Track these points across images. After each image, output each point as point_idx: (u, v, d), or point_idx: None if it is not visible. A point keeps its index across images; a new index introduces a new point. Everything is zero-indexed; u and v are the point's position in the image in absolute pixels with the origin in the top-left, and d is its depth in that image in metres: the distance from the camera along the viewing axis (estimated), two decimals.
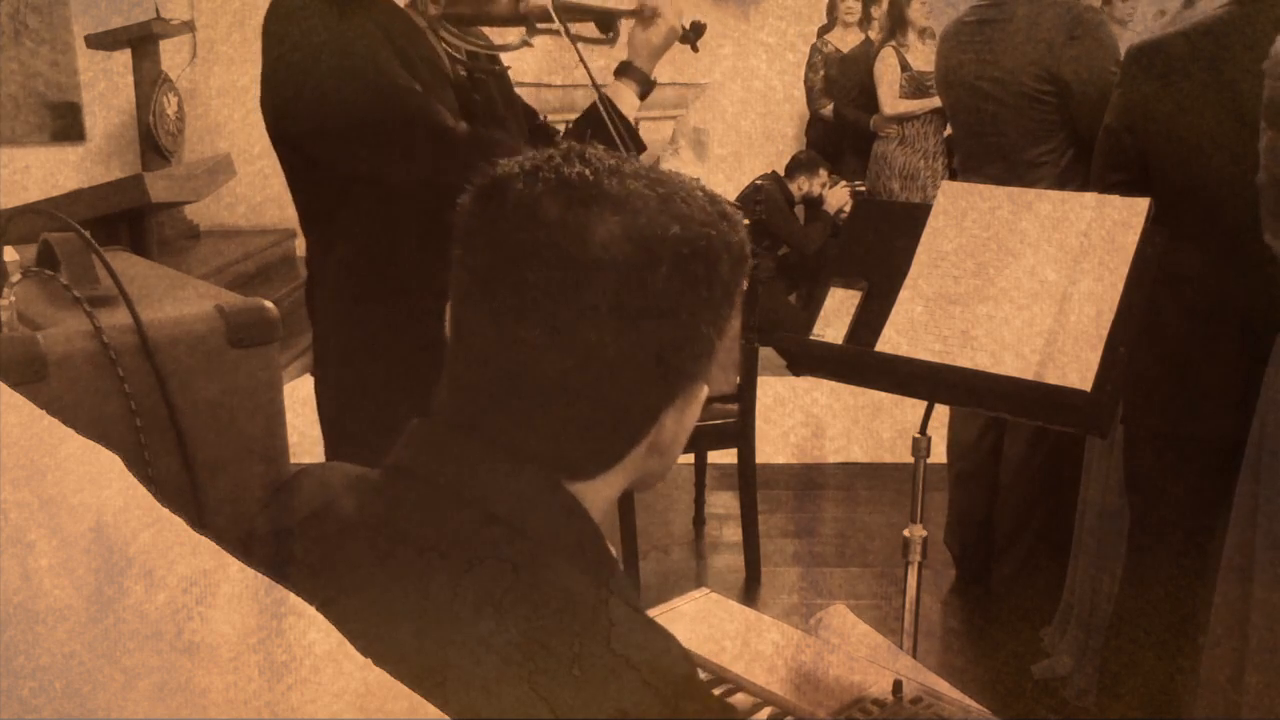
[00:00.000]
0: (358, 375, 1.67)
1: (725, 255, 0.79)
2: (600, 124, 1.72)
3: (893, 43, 5.31)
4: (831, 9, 6.18)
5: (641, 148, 1.85)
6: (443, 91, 1.65)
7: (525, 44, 1.77)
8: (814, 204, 5.55)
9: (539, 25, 1.74)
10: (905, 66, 5.27)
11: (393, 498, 0.80)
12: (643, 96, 1.82)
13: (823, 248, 5.30)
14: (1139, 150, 2.10)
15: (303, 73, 1.56)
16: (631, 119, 1.81)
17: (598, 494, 0.82)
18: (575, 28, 1.77)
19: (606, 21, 1.81)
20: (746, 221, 2.74)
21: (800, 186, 5.57)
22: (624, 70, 1.81)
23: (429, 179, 1.54)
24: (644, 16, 1.79)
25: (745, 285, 0.84)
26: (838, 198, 5.43)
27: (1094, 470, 2.51)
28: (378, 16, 1.60)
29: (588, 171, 0.77)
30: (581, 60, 1.66)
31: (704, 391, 0.84)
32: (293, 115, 1.59)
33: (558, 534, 0.78)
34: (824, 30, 6.21)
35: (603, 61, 1.80)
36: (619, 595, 0.77)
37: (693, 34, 1.86)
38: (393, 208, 1.61)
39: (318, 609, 0.64)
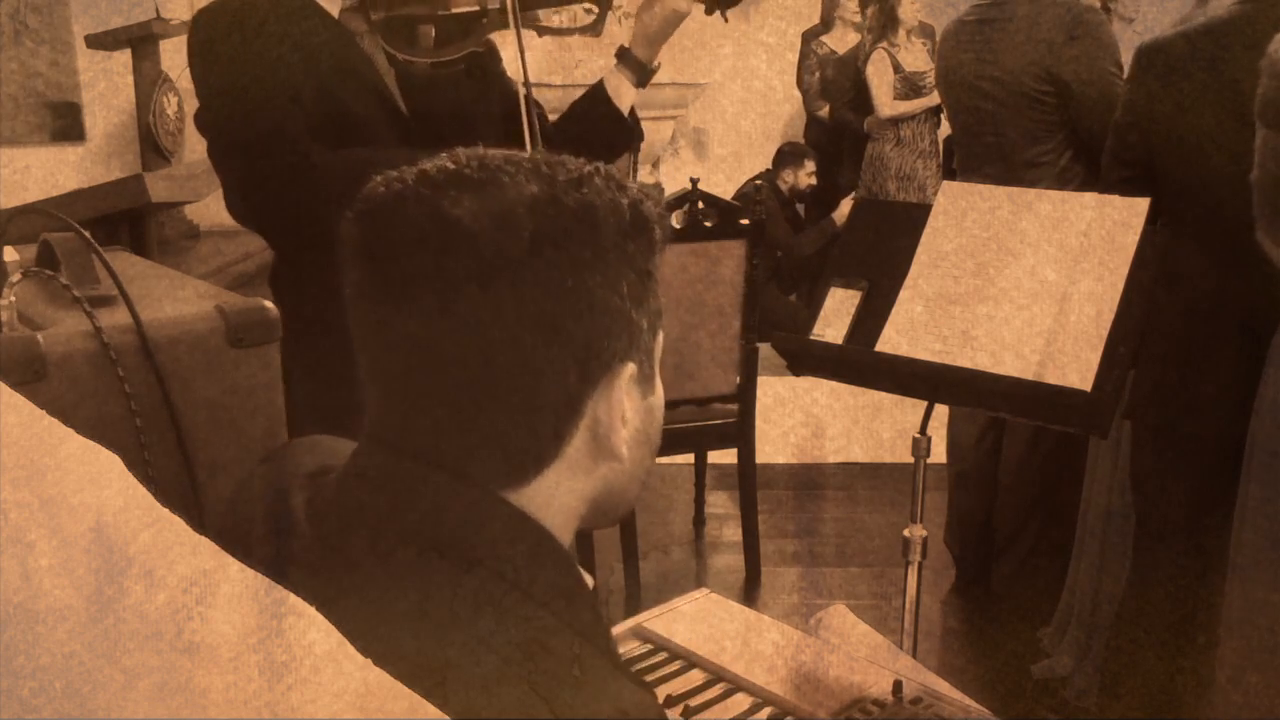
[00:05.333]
0: (314, 353, 1.65)
1: (611, 218, 0.75)
2: (587, 116, 1.69)
3: (883, 44, 5.28)
4: (827, 10, 6.17)
5: (638, 136, 1.82)
6: (359, 107, 1.61)
7: (473, 51, 1.70)
8: (804, 198, 5.48)
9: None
10: (898, 68, 5.25)
11: (341, 515, 0.78)
12: (640, 85, 1.77)
13: (817, 252, 5.25)
14: (1144, 148, 2.10)
15: (229, 89, 1.56)
16: (627, 108, 1.77)
17: (548, 503, 0.78)
18: (563, 14, 1.71)
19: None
20: (745, 222, 2.74)
21: (786, 180, 5.47)
22: (621, 56, 1.76)
23: (300, 217, 1.53)
24: None
25: (653, 254, 0.79)
26: (846, 210, 5.34)
27: (1097, 471, 2.51)
28: (300, 30, 1.57)
29: (449, 164, 0.76)
30: (520, 53, 1.60)
31: (633, 372, 0.79)
32: (207, 136, 1.61)
33: (508, 554, 0.75)
34: (819, 32, 6.20)
35: (601, 61, 1.78)
36: (581, 634, 0.73)
37: (724, 2, 1.75)
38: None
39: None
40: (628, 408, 0.79)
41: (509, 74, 1.82)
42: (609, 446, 0.79)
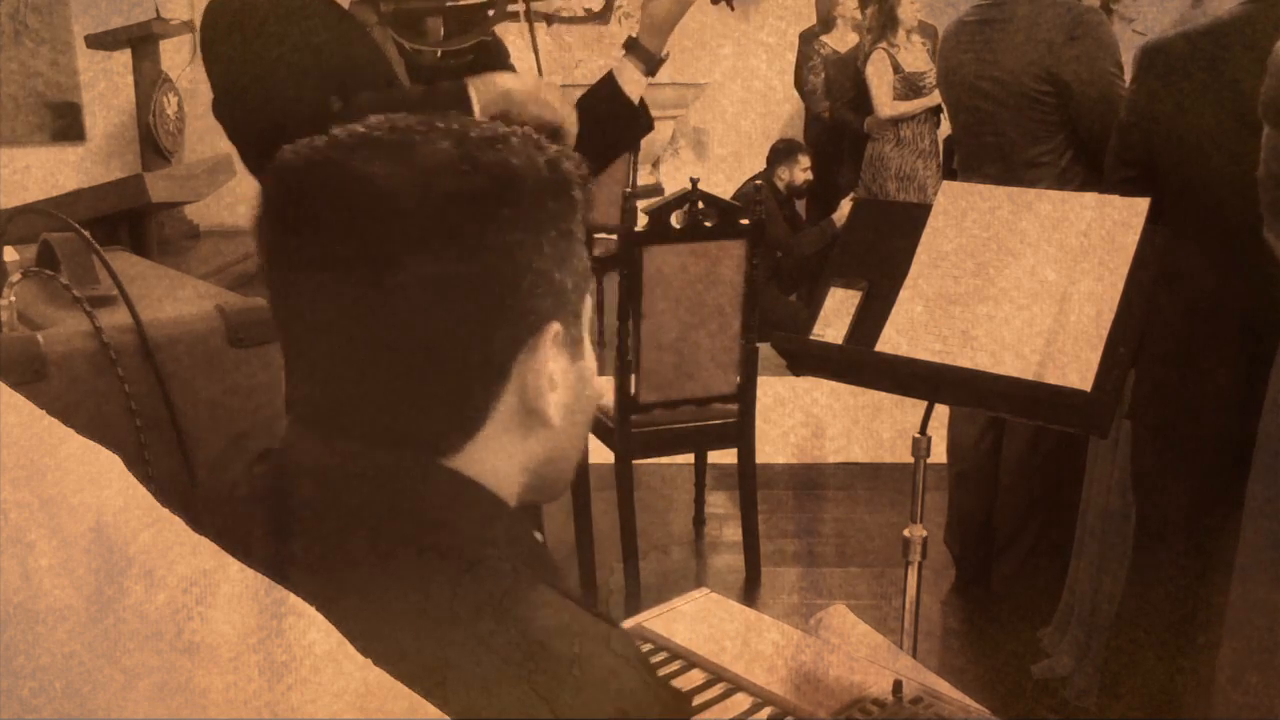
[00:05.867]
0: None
1: (529, 176, 0.75)
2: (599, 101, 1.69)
3: (883, 44, 5.28)
4: (825, 10, 6.16)
5: (648, 125, 1.81)
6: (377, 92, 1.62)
7: (482, 38, 1.70)
8: (801, 194, 5.47)
9: (509, 8, 1.68)
10: (897, 68, 5.25)
11: (287, 508, 0.77)
12: (649, 74, 1.76)
13: (814, 254, 5.24)
14: (1146, 148, 2.10)
15: (235, 89, 1.57)
16: (637, 98, 1.77)
17: (485, 470, 0.77)
18: (565, 3, 1.70)
19: None
20: (745, 222, 2.74)
21: (782, 177, 5.46)
22: (629, 46, 1.76)
23: None
24: None
25: (574, 213, 0.78)
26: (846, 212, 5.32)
27: (1096, 470, 2.51)
28: (311, 21, 1.58)
29: (360, 128, 0.75)
30: (533, 40, 1.60)
31: (558, 331, 0.78)
32: (228, 124, 1.61)
33: (460, 521, 0.75)
34: (819, 32, 6.20)
35: (601, 61, 1.78)
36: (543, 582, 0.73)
37: None
38: None
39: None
40: (554, 370, 0.78)
41: (517, 68, 1.83)
42: (538, 410, 0.78)
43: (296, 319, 0.76)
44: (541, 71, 1.60)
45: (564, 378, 0.79)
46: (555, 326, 0.77)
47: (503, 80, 1.56)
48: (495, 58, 1.77)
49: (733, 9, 1.80)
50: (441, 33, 1.73)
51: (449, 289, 0.72)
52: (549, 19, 1.69)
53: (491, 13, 1.68)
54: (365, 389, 0.74)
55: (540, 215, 0.75)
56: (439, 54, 1.69)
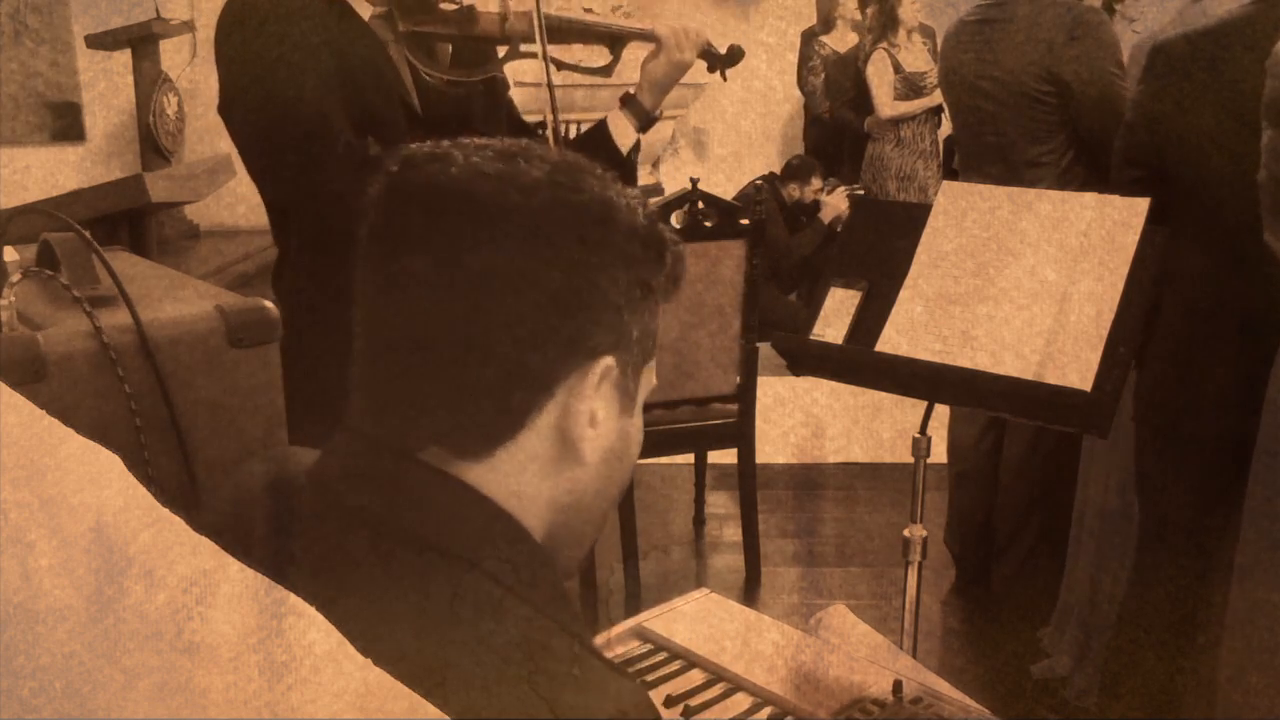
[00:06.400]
0: (315, 353, 1.67)
1: (626, 218, 0.78)
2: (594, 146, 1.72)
3: (883, 44, 5.28)
4: (825, 10, 6.16)
5: (632, 180, 1.86)
6: (385, 107, 1.65)
7: (491, 75, 1.74)
8: (807, 211, 5.49)
9: (522, 48, 1.72)
10: (898, 68, 5.25)
11: (331, 513, 0.78)
12: (641, 130, 1.82)
13: (812, 254, 5.24)
14: (1154, 148, 2.10)
15: (239, 87, 1.59)
16: (627, 150, 1.81)
17: (511, 490, 0.78)
18: (574, 52, 1.75)
19: (614, 44, 1.79)
20: (745, 222, 2.75)
21: (792, 193, 5.47)
22: (625, 101, 1.82)
23: (316, 194, 1.55)
24: (651, 42, 1.77)
25: (656, 273, 0.81)
26: (835, 206, 5.32)
27: (1093, 470, 2.51)
28: (327, 30, 1.60)
29: (455, 152, 0.78)
30: (550, 91, 1.63)
31: (611, 366, 0.79)
32: (231, 120, 1.63)
33: (484, 547, 0.75)
34: (819, 32, 6.20)
35: (605, 92, 1.82)
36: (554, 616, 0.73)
37: (726, 61, 1.82)
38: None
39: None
40: (599, 408, 0.79)
41: (516, 103, 1.88)
42: (574, 442, 0.79)
43: (377, 295, 0.78)
44: (555, 107, 1.63)
45: (607, 422, 0.80)
46: (610, 362, 0.79)
47: None
48: (498, 90, 1.81)
49: (725, 80, 1.86)
50: (449, 60, 1.76)
51: (522, 283, 0.74)
52: (559, 65, 1.73)
53: (503, 52, 1.71)
54: (417, 383, 0.77)
55: (627, 252, 0.78)
56: (445, 80, 1.72)
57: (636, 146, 1.85)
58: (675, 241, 0.82)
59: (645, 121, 1.82)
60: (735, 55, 1.83)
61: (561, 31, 1.76)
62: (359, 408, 0.80)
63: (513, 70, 1.84)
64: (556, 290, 0.75)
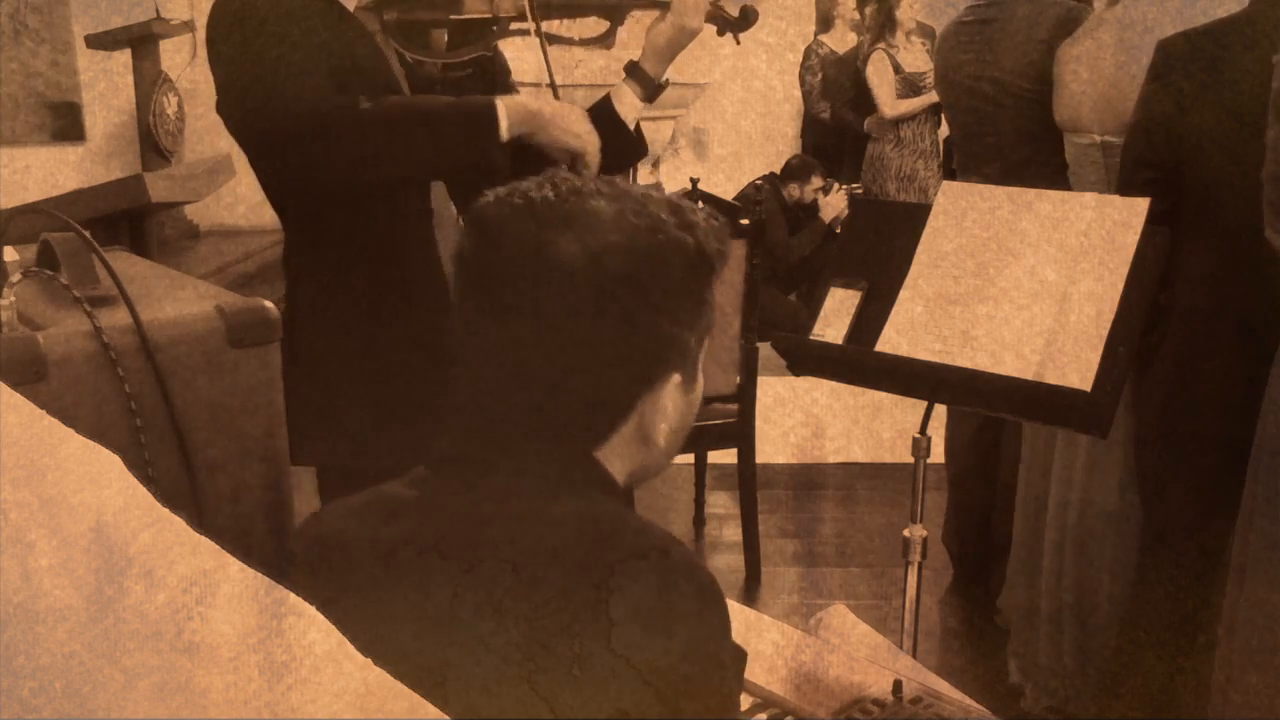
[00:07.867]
0: (318, 346, 1.65)
1: (676, 259, 0.89)
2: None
3: (881, 44, 5.27)
4: (825, 10, 6.16)
5: (643, 151, 1.83)
6: (376, 94, 1.63)
7: (483, 53, 1.72)
8: (807, 210, 5.48)
9: (512, 26, 1.69)
10: (897, 68, 5.24)
11: (421, 516, 0.85)
12: (647, 99, 1.76)
13: (811, 254, 5.23)
14: (1169, 148, 2.08)
15: (240, 85, 1.57)
16: (633, 122, 1.78)
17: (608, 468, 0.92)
18: (571, 25, 1.73)
19: (612, 14, 1.75)
20: (745, 222, 2.74)
21: (792, 193, 5.47)
22: (630, 70, 1.76)
23: (347, 174, 1.54)
24: (655, 9, 1.72)
25: (711, 282, 0.93)
26: (834, 206, 5.32)
27: (1035, 463, 2.53)
28: (318, 22, 1.58)
29: (551, 194, 0.88)
30: (545, 60, 1.62)
31: (678, 381, 0.93)
32: (232, 120, 1.62)
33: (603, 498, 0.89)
34: (818, 32, 6.20)
35: (600, 62, 1.78)
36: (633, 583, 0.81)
37: (738, 25, 1.76)
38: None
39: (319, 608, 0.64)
40: (669, 407, 0.93)
41: (515, 81, 1.84)
42: (650, 436, 0.93)
43: (473, 346, 0.90)
44: (556, 90, 1.62)
45: (675, 410, 0.94)
46: (677, 377, 0.92)
47: (532, 102, 1.58)
48: (495, 72, 1.77)
49: (738, 43, 1.81)
50: (445, 45, 1.74)
51: (604, 347, 0.88)
52: (553, 39, 1.70)
53: (495, 28, 1.69)
54: (517, 401, 0.89)
55: (684, 292, 0.91)
56: (440, 65, 1.70)
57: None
58: (720, 242, 0.93)
59: (651, 90, 1.76)
60: (749, 17, 1.76)
61: (554, 7, 1.73)
62: (458, 437, 0.91)
63: (512, 71, 1.83)
64: (629, 346, 0.89)
